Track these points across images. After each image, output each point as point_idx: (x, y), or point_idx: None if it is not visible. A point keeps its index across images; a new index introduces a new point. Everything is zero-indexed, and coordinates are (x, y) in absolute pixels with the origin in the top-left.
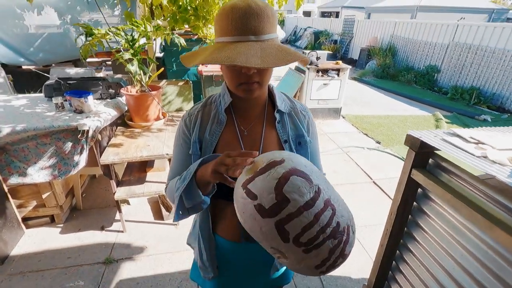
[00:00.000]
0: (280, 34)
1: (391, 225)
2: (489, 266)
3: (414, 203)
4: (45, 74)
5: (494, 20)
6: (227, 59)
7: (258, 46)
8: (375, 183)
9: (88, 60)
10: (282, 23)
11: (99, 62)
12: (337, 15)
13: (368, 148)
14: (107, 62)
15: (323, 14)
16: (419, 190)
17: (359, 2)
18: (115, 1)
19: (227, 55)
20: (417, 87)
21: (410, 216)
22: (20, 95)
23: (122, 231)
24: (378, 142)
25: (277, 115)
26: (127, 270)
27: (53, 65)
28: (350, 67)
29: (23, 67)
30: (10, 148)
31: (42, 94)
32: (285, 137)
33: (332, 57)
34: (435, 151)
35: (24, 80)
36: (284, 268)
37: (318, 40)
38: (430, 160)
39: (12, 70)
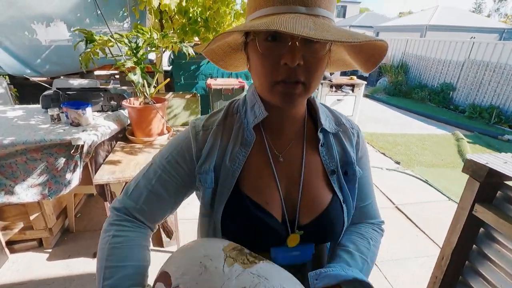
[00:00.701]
0: None
1: (442, 273)
2: None
3: (474, 245)
4: (47, 86)
5: (505, 39)
6: (263, 25)
7: (311, 19)
8: (398, 208)
9: (96, 73)
10: None
11: (107, 76)
12: None
13: (387, 168)
14: (116, 76)
15: None
16: (481, 229)
17: (367, 21)
18: (125, 14)
19: (263, 22)
20: (431, 105)
21: (467, 261)
22: (17, 106)
23: None
24: (398, 162)
25: (320, 136)
26: None
27: (61, 77)
28: (365, 82)
29: (31, 78)
30: None
31: (38, 106)
32: (332, 166)
33: (342, 73)
34: (505, 182)
35: (30, 92)
36: None
37: None
38: (499, 193)
39: (19, 82)
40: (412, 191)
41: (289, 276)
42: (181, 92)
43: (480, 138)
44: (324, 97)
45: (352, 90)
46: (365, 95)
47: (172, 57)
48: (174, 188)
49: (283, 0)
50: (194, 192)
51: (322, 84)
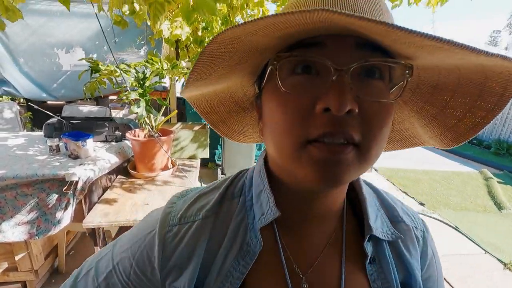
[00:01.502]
0: None
1: None
2: None
3: None
4: (49, 113)
5: None
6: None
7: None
8: None
9: (112, 97)
10: None
11: (122, 100)
12: None
13: None
14: (122, 100)
15: None
16: None
17: None
18: (142, 42)
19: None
20: None
21: None
22: (21, 133)
23: None
24: (422, 204)
25: (368, 247)
26: None
27: (78, 101)
28: None
29: (48, 102)
30: None
31: (41, 134)
32: None
33: None
34: None
35: (44, 116)
36: None
37: None
38: None
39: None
40: (441, 240)
41: None
42: (190, 123)
43: (511, 177)
44: None
45: None
46: None
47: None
48: None
49: (329, 4)
50: None
51: None
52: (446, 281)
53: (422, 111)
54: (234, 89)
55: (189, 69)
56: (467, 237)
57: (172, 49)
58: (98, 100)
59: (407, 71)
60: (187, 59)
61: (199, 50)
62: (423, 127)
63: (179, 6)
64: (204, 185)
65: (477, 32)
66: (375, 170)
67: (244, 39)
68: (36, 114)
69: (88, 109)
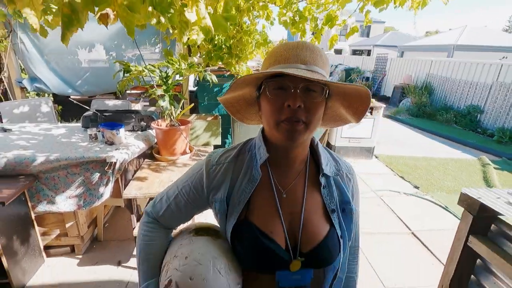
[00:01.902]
0: None
1: None
2: None
3: (472, 276)
4: (84, 106)
5: None
6: (268, 72)
7: (309, 72)
8: (414, 234)
9: (128, 92)
10: None
11: (138, 94)
12: (368, 53)
13: (405, 193)
14: (145, 94)
15: (355, 52)
16: (479, 261)
17: (391, 41)
18: (156, 40)
19: (269, 71)
20: (457, 128)
21: None
22: (61, 124)
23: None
24: (417, 187)
25: (322, 180)
26: None
27: (97, 96)
28: (384, 105)
29: (71, 97)
30: (42, 176)
31: (79, 125)
32: (332, 206)
33: None
34: (500, 216)
35: (71, 110)
36: None
37: (349, 76)
38: (493, 227)
39: (61, 99)
40: (430, 217)
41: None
42: (203, 114)
43: (509, 164)
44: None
45: (371, 113)
46: (387, 116)
47: (197, 79)
48: (185, 207)
49: (288, 60)
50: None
51: None
52: (431, 252)
53: (343, 104)
54: (245, 95)
55: (200, 65)
56: (454, 215)
57: (185, 46)
58: (117, 94)
59: (325, 88)
60: (198, 55)
61: (209, 46)
62: (345, 111)
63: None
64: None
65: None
66: (376, 157)
67: (251, 77)
68: (64, 108)
69: (113, 103)
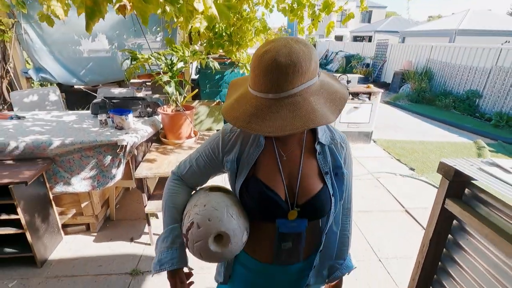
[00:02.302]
0: None
1: (423, 258)
2: None
3: (449, 235)
4: (93, 93)
5: None
6: (240, 123)
7: (275, 106)
8: (407, 212)
9: (131, 81)
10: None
11: (140, 83)
12: (369, 39)
13: (400, 174)
14: (147, 83)
15: (356, 39)
16: (455, 222)
17: (393, 26)
18: (158, 29)
19: (241, 117)
20: (456, 113)
21: (444, 249)
22: (71, 112)
23: (149, 244)
24: (412, 169)
25: (317, 147)
26: (152, 283)
27: (100, 85)
28: (381, 91)
29: (75, 86)
30: (58, 159)
31: (89, 111)
32: (326, 169)
33: (364, 80)
34: (472, 181)
35: (74, 98)
36: None
37: (349, 63)
38: (466, 190)
39: (65, 89)
40: (423, 196)
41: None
42: (206, 101)
43: (504, 147)
44: None
45: (369, 98)
46: (387, 102)
47: (199, 67)
48: (204, 167)
49: (262, 89)
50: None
51: None
52: (422, 225)
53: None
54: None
55: (202, 53)
56: None
57: (186, 34)
58: (121, 84)
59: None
60: (199, 43)
61: (210, 34)
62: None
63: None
64: None
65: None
66: (374, 141)
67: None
68: (68, 97)
69: (118, 91)
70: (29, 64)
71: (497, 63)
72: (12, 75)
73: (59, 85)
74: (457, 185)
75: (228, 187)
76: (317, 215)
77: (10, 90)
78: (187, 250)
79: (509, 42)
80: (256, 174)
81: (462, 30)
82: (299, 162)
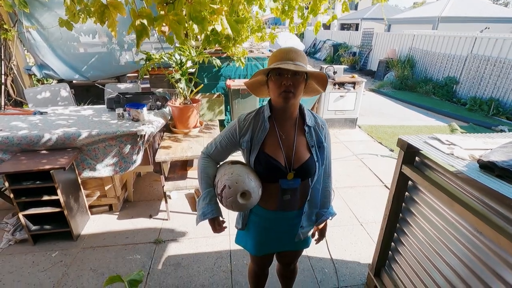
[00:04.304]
0: (299, 46)
1: (388, 211)
2: (457, 236)
3: (406, 193)
4: (102, 87)
5: None
6: (272, 67)
7: (293, 66)
8: (386, 186)
9: (128, 74)
10: (302, 35)
11: (135, 77)
12: (356, 27)
13: (381, 155)
14: (144, 76)
15: (343, 27)
16: (410, 182)
17: (379, 13)
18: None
19: (272, 66)
20: (435, 98)
21: (403, 204)
22: (86, 106)
23: (166, 219)
24: (392, 150)
25: (306, 128)
26: (173, 249)
27: (99, 80)
28: (365, 80)
29: (74, 82)
30: (85, 148)
31: (102, 106)
32: (312, 143)
33: (351, 68)
34: (419, 151)
35: (77, 93)
36: (307, 237)
37: (337, 52)
38: (417, 158)
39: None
40: None
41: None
42: (208, 94)
43: (474, 128)
44: (328, 93)
45: (354, 87)
46: (372, 90)
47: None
48: (226, 146)
49: (283, 59)
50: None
51: None
52: None
53: (315, 81)
54: (259, 80)
55: (198, 48)
56: None
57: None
58: (119, 79)
59: (304, 74)
60: (195, 39)
61: (207, 32)
62: (317, 85)
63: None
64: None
65: None
66: (359, 127)
67: (265, 69)
68: (76, 92)
69: (124, 86)
70: (31, 62)
71: (472, 51)
72: (16, 72)
73: (62, 80)
74: (410, 155)
75: (242, 160)
76: (307, 175)
77: (13, 87)
78: (220, 205)
79: (489, 28)
80: (264, 149)
81: (445, 17)
82: (293, 139)
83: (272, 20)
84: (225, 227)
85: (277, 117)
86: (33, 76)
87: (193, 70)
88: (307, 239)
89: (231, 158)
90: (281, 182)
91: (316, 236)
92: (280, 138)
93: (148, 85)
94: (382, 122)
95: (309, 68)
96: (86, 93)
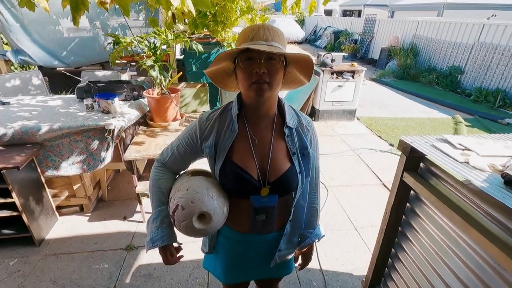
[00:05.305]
0: (299, 33)
1: (385, 224)
2: (467, 263)
3: (408, 204)
4: (75, 77)
5: None
6: (239, 48)
7: (267, 46)
8: (384, 185)
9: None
10: (302, 22)
11: (124, 64)
12: (359, 13)
13: (380, 150)
14: (131, 64)
15: (345, 13)
16: (412, 192)
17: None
18: (140, 7)
19: (239, 46)
20: (438, 89)
21: (404, 216)
22: (56, 96)
23: (142, 222)
24: (391, 145)
25: (286, 130)
26: (146, 256)
27: (83, 67)
28: (365, 69)
29: (57, 68)
30: (48, 144)
31: (74, 95)
32: (293, 150)
33: (352, 57)
34: (425, 156)
35: (57, 81)
36: (287, 261)
37: (338, 39)
38: (421, 164)
39: (47, 71)
40: None
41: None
42: (192, 82)
43: (479, 121)
44: (325, 83)
45: (353, 77)
46: (373, 79)
47: (184, 47)
48: (184, 153)
49: (253, 38)
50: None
51: (323, 71)
52: None
53: (297, 69)
54: (225, 67)
55: (186, 32)
56: None
57: (169, 15)
58: (104, 66)
59: (281, 57)
60: (183, 22)
61: (194, 14)
62: (299, 74)
63: None
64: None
65: None
66: (358, 119)
67: (229, 53)
68: (51, 80)
69: (103, 74)
70: (8, 46)
71: (479, 39)
72: None
73: (41, 68)
74: (413, 160)
75: (208, 169)
76: (286, 191)
77: None
78: (175, 228)
79: (495, 16)
80: (232, 157)
81: (451, 3)
82: (269, 145)
83: (272, 6)
84: (181, 256)
85: (249, 116)
86: (9, 62)
87: (181, 57)
88: (289, 264)
89: (195, 166)
90: (253, 200)
91: (300, 261)
92: (253, 143)
93: (135, 73)
94: (382, 114)
95: (289, 50)
96: (68, 80)
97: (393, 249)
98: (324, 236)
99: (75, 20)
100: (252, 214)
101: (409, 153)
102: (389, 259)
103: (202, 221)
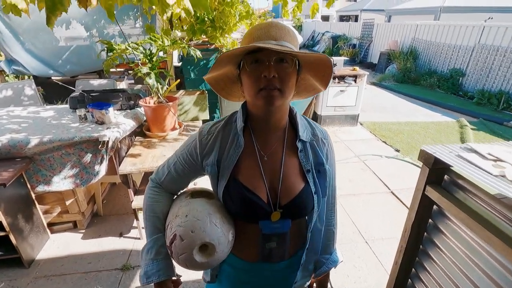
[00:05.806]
0: (298, 38)
1: (405, 242)
2: None
3: (430, 220)
4: (69, 87)
5: None
6: (245, 47)
7: (278, 46)
8: (393, 193)
9: (112, 70)
10: (300, 28)
11: (121, 72)
12: (356, 18)
13: (386, 156)
14: (129, 72)
15: (342, 18)
16: (435, 207)
17: (379, 4)
18: (137, 14)
19: (245, 46)
20: (440, 92)
21: (425, 233)
22: (48, 107)
23: (139, 238)
24: (397, 150)
25: (299, 145)
26: None
27: (79, 76)
28: (367, 73)
29: (52, 78)
30: (38, 158)
31: (66, 106)
32: (308, 167)
33: (351, 61)
34: (451, 167)
35: (52, 91)
36: None
37: (336, 44)
38: (446, 177)
39: (42, 81)
40: (408, 177)
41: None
42: (190, 90)
43: (485, 124)
44: (327, 88)
45: (355, 81)
46: (373, 83)
47: (182, 54)
48: (183, 172)
49: (261, 37)
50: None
51: None
52: (407, 207)
53: (311, 74)
54: (228, 73)
55: (183, 39)
56: None
57: (166, 20)
58: (101, 74)
59: (294, 59)
60: (180, 29)
61: (192, 20)
62: (315, 81)
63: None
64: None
65: None
66: (361, 124)
67: (232, 54)
68: (47, 90)
69: (98, 82)
70: (1, 56)
71: (479, 41)
72: None
73: (36, 78)
74: (437, 172)
75: (210, 188)
76: (300, 214)
77: None
78: (172, 259)
79: (492, 18)
80: (237, 177)
81: (447, 7)
82: (280, 161)
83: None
84: None
85: (256, 129)
86: (3, 72)
87: (179, 64)
88: None
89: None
90: (262, 225)
91: None
92: (261, 159)
93: (132, 81)
94: (385, 118)
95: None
96: (64, 90)
97: (413, 269)
98: (342, 261)
99: (49, 21)
100: (261, 241)
101: (432, 164)
102: (409, 280)
103: (204, 253)
